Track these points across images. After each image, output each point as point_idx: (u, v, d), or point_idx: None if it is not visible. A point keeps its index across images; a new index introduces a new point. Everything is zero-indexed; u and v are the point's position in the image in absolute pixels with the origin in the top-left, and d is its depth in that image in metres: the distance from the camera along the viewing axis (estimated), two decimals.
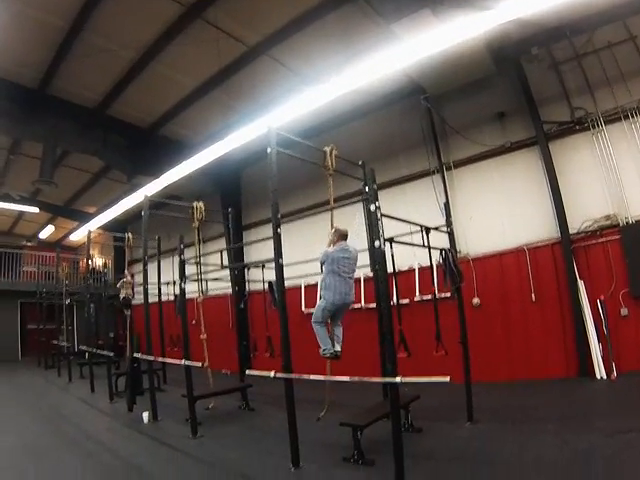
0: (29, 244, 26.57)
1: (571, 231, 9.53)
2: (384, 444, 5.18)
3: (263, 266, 9.71)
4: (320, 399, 7.61)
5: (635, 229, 8.94)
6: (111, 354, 11.56)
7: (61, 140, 12.99)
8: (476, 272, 10.39)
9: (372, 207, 5.15)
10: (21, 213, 23.19)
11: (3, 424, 9.35)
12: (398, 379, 4.88)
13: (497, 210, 10.46)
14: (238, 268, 11.77)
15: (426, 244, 7.60)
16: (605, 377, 8.85)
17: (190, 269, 9.41)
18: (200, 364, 8.10)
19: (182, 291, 8.21)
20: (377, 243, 5.11)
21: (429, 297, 9.59)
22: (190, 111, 12.64)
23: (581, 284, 9.34)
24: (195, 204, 9.87)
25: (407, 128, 11.75)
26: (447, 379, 4.44)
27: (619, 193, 9.17)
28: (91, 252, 19.14)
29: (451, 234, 7.87)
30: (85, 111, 12.66)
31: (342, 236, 6.36)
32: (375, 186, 5.32)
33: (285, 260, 6.34)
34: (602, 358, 8.98)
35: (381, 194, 5.61)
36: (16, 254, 23.24)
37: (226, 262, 11.41)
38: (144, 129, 13.52)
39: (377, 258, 5.17)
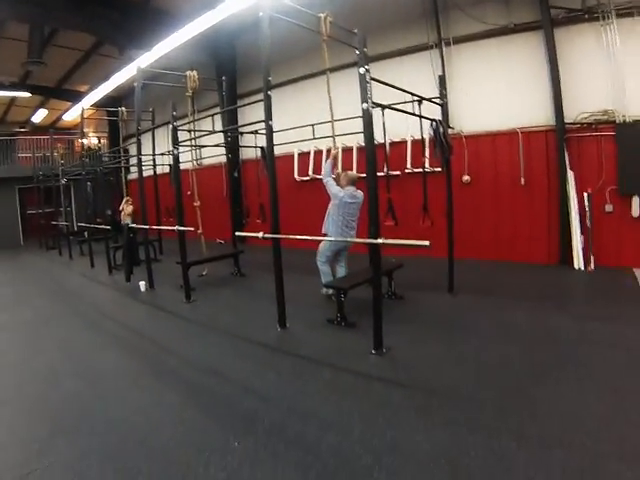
0: (23, 130, 26.05)
1: (566, 121, 9.17)
2: (367, 309, 5.24)
3: (256, 131, 9.46)
4: (309, 266, 7.71)
5: (631, 128, 8.58)
6: (108, 227, 11.58)
7: (48, 18, 12.29)
8: (468, 150, 10.14)
9: (361, 70, 4.88)
10: (12, 99, 22.45)
11: (14, 298, 9.65)
12: (380, 240, 4.83)
13: (494, 91, 10.02)
14: (230, 132, 11.46)
15: (419, 116, 7.36)
16: (583, 268, 8.94)
17: (184, 138, 9.26)
18: (192, 229, 8.10)
19: (175, 157, 8.01)
20: (364, 105, 4.88)
21: (420, 170, 9.43)
22: None
23: (570, 175, 9.12)
24: (189, 73, 9.54)
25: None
26: (427, 243, 4.37)
27: (620, 90, 8.69)
28: (85, 130, 18.85)
29: (444, 106, 7.60)
30: None
31: (351, 181, 6.94)
32: (365, 49, 5.06)
33: (278, 127, 6.34)
34: (582, 250, 9.02)
35: (377, 65, 5.48)
36: (10, 141, 22.89)
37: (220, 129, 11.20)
38: (136, 1, 12.73)
39: (364, 121, 4.94)
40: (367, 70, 4.90)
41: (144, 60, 12.44)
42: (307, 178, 12.57)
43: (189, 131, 9.67)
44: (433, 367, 4.66)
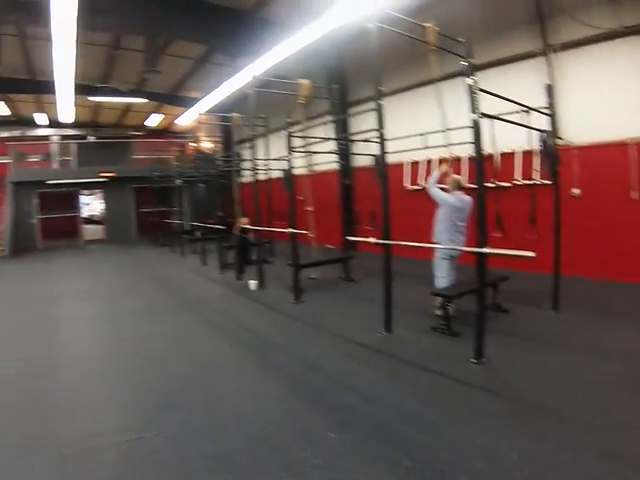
0: (138, 133, 27.99)
1: None
2: (472, 319, 5.29)
3: (367, 140, 9.64)
4: (417, 274, 7.80)
5: None
6: (222, 227, 12.22)
7: (162, 30, 13.24)
8: (578, 161, 9.69)
9: (469, 81, 4.93)
10: (129, 105, 24.17)
11: (128, 289, 10.59)
12: (486, 250, 4.87)
13: (604, 99, 9.29)
14: (342, 140, 11.78)
15: (527, 126, 7.18)
16: None
17: (297, 144, 9.56)
18: (306, 232, 8.44)
19: (289, 163, 8.40)
20: (473, 116, 4.93)
21: (529, 182, 9.30)
22: None
23: None
24: (301, 81, 9.89)
25: (512, 5, 10.69)
26: (532, 254, 4.37)
27: None
28: (198, 135, 19.90)
29: (552, 116, 7.33)
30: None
31: (458, 185, 6.94)
32: (472, 60, 5.10)
33: (388, 135, 6.42)
34: None
35: (483, 75, 5.35)
36: (127, 143, 24.76)
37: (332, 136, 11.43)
38: (246, 11, 13.31)
39: (473, 132, 5.00)
40: (474, 80, 4.95)
41: (255, 69, 12.98)
42: (418, 187, 12.42)
43: (302, 137, 9.99)
44: (530, 380, 4.63)
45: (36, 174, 22.04)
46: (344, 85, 14.93)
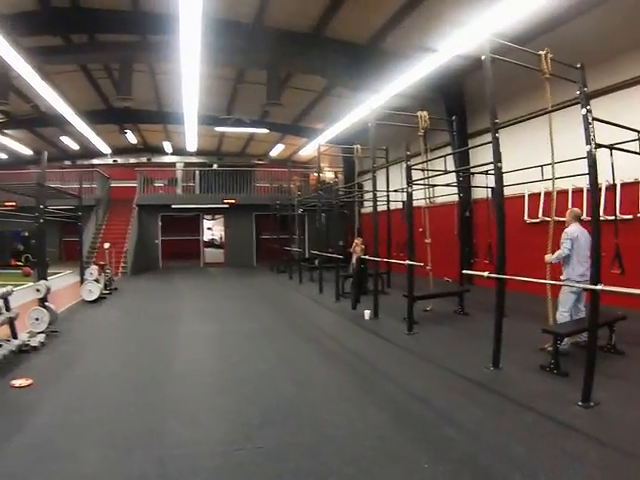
0: (261, 162, 29.41)
1: None
2: (583, 357, 5.00)
3: (486, 172, 9.50)
4: (532, 311, 7.49)
5: None
6: (340, 256, 12.45)
7: (284, 64, 14.04)
8: None
9: (583, 111, 4.75)
10: (252, 135, 25.41)
11: (247, 313, 11.05)
12: (599, 287, 4.58)
13: None
14: (461, 172, 11.68)
15: None
16: None
17: (417, 177, 9.61)
18: (422, 264, 8.41)
19: (409, 195, 8.43)
20: (588, 148, 4.72)
21: None
22: (405, 24, 12.26)
23: None
24: (420, 113, 9.98)
25: (630, 23, 9.65)
26: None
27: None
28: (320, 165, 20.53)
29: None
30: (303, 35, 13.19)
31: (576, 217, 6.77)
32: (585, 89, 4.95)
33: (507, 167, 6.35)
34: None
35: (601, 100, 5.06)
36: (250, 172, 25.95)
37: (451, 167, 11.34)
38: (363, 45, 13.61)
39: (588, 164, 4.79)
40: (589, 111, 4.78)
41: (375, 100, 13.22)
42: (537, 220, 11.91)
43: (422, 170, 10.02)
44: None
45: (160, 198, 23.94)
46: (463, 116, 14.79)
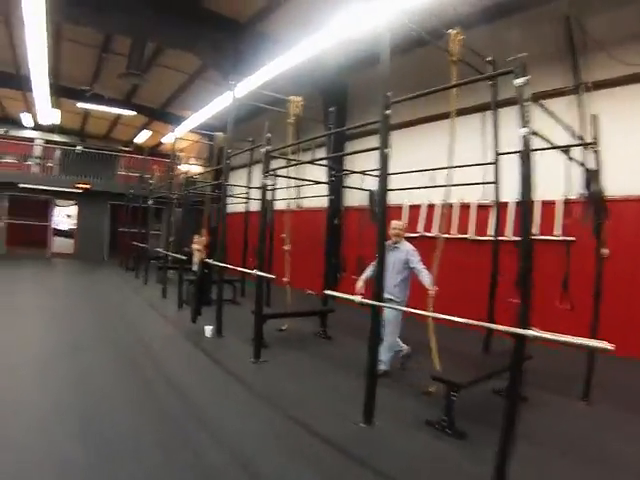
0: (126, 149, 26.54)
1: None
2: (478, 410, 4.11)
3: (364, 172, 8.12)
4: (412, 339, 6.25)
5: None
6: (183, 257, 10.66)
7: (154, 32, 11.94)
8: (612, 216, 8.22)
9: (518, 82, 3.57)
10: (118, 117, 22.95)
11: (62, 317, 9.06)
12: (531, 332, 3.28)
13: None
14: (334, 171, 10.41)
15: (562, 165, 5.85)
16: None
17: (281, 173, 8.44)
18: (272, 276, 6.81)
19: (264, 187, 6.80)
20: (523, 131, 3.54)
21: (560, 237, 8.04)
22: (290, 5, 10.93)
23: None
24: (292, 97, 8.58)
25: (543, 39, 9.20)
26: (609, 347, 2.87)
27: None
28: (183, 155, 18.53)
29: (598, 153, 5.85)
30: (178, 2, 11.34)
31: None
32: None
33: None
34: None
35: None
36: (112, 157, 23.50)
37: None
38: (241, 24, 12.02)
39: (522, 158, 3.53)
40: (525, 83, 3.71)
41: (246, 87, 11.63)
42: (415, 235, 10.44)
43: (287, 163, 8.58)
44: None
45: (5, 175, 20.63)
46: (343, 115, 13.51)
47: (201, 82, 16.77)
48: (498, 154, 6.17)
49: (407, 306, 5.35)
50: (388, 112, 4.51)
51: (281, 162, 8.95)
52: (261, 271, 6.57)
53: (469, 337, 6.50)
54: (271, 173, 6.95)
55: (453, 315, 3.81)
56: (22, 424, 4.11)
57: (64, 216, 27.13)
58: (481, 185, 7.56)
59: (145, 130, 24.29)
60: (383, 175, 4.69)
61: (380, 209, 4.80)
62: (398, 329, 6.02)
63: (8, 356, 6.16)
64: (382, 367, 5.72)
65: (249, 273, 7.27)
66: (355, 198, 10.44)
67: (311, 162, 8.25)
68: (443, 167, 5.70)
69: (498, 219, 6.59)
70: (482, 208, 9.50)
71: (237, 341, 7.62)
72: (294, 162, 8.73)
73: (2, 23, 13.69)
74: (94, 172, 21.90)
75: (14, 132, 25.56)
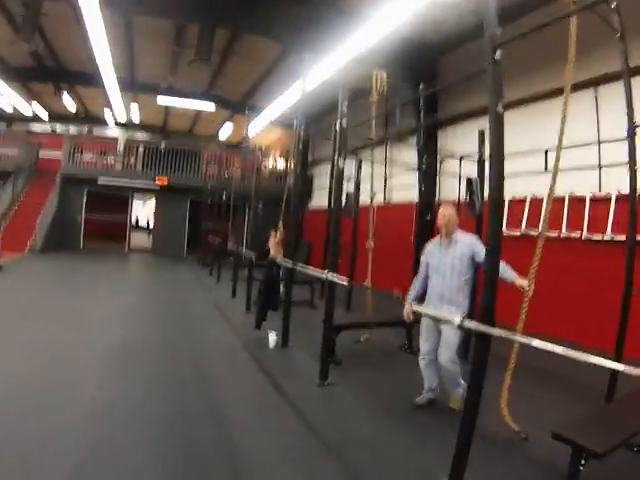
0: (207, 145, 26.16)
1: None
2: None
3: (462, 158, 6.76)
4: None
5: None
6: (252, 254, 9.70)
7: (219, 17, 11.12)
8: None
9: None
10: (199, 113, 22.64)
11: (123, 318, 8.28)
12: None
13: None
14: (426, 157, 9.08)
15: None
16: None
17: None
18: (344, 280, 5.46)
19: (339, 172, 5.54)
20: None
21: None
22: None
23: None
24: (375, 72, 7.34)
25: None
26: None
27: None
28: (269, 151, 17.81)
29: None
30: None
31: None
32: None
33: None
34: None
35: None
36: (194, 153, 22.96)
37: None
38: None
39: None
40: None
41: (328, 71, 10.51)
42: (517, 233, 8.84)
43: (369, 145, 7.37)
44: None
45: (87, 171, 20.85)
46: (433, 97, 11.93)
47: (283, 71, 15.78)
48: (635, 126, 4.64)
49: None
50: (498, 55, 3.12)
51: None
52: (334, 272, 5.38)
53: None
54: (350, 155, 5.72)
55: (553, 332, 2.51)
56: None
57: (143, 211, 27.38)
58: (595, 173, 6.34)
59: (227, 124, 23.68)
60: (497, 146, 3.24)
61: (495, 196, 3.29)
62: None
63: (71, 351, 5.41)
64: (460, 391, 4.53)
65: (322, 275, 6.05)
66: (451, 192, 9.03)
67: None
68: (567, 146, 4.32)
69: (634, 212, 4.89)
70: (599, 201, 7.74)
71: (304, 355, 6.43)
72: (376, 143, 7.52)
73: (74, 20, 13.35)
74: (175, 168, 21.60)
75: (98, 130, 26.19)
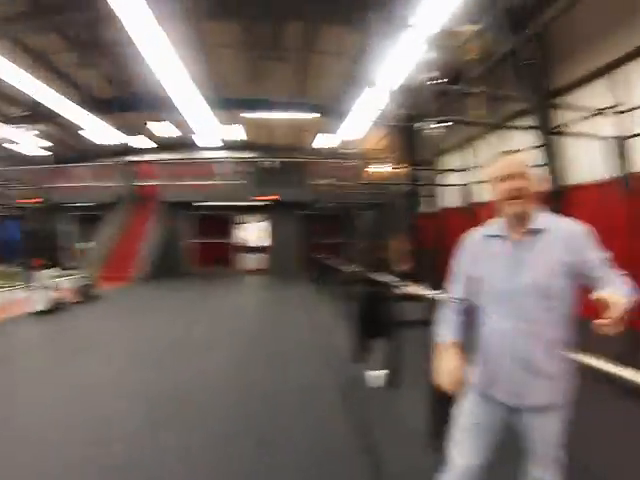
0: (309, 155, 25.34)
1: None
2: None
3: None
4: None
5: None
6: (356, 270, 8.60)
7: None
8: None
9: None
10: (292, 123, 22.01)
11: (216, 339, 7.98)
12: None
13: None
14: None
15: None
16: None
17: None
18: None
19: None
20: None
21: None
22: None
23: None
24: (466, 27, 5.90)
25: None
26: None
27: None
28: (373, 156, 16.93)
29: None
30: None
31: None
32: None
33: None
34: None
35: None
36: (297, 166, 22.23)
37: None
38: None
39: None
40: None
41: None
42: None
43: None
44: None
45: (188, 195, 20.89)
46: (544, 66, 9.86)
47: (373, 63, 14.47)
48: None
49: None
50: None
51: None
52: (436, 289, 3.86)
53: None
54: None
55: None
56: None
57: (253, 232, 27.23)
58: None
59: (324, 131, 22.59)
60: None
61: None
62: None
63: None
64: None
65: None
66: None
67: None
68: None
69: None
70: None
71: (417, 398, 4.42)
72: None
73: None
74: (280, 184, 20.67)
75: (197, 152, 26.39)
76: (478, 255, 2.28)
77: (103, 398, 5.10)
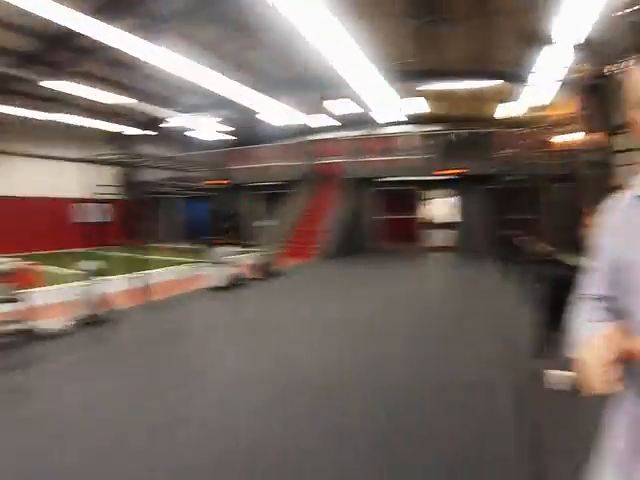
0: (494, 126, 23.56)
1: None
2: None
3: None
4: None
5: None
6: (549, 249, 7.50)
7: None
8: None
9: None
10: (480, 91, 20.14)
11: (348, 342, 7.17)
12: None
13: None
14: None
15: None
16: None
17: None
18: None
19: None
20: None
21: None
22: None
23: None
24: None
25: None
26: None
27: None
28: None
29: None
30: None
31: None
32: None
33: None
34: None
35: None
36: (483, 138, 21.20)
37: None
38: None
39: None
40: None
41: None
42: None
43: None
44: None
45: (370, 171, 21.05)
46: None
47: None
48: None
49: None
50: None
51: None
52: None
53: None
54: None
55: None
56: None
57: (440, 208, 26.38)
58: None
59: (506, 100, 20.66)
60: None
61: None
62: None
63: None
64: None
65: None
66: None
67: None
68: None
69: None
70: None
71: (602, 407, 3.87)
72: None
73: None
74: (467, 157, 19.87)
75: (378, 128, 25.34)
76: (630, 228, 1.29)
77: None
